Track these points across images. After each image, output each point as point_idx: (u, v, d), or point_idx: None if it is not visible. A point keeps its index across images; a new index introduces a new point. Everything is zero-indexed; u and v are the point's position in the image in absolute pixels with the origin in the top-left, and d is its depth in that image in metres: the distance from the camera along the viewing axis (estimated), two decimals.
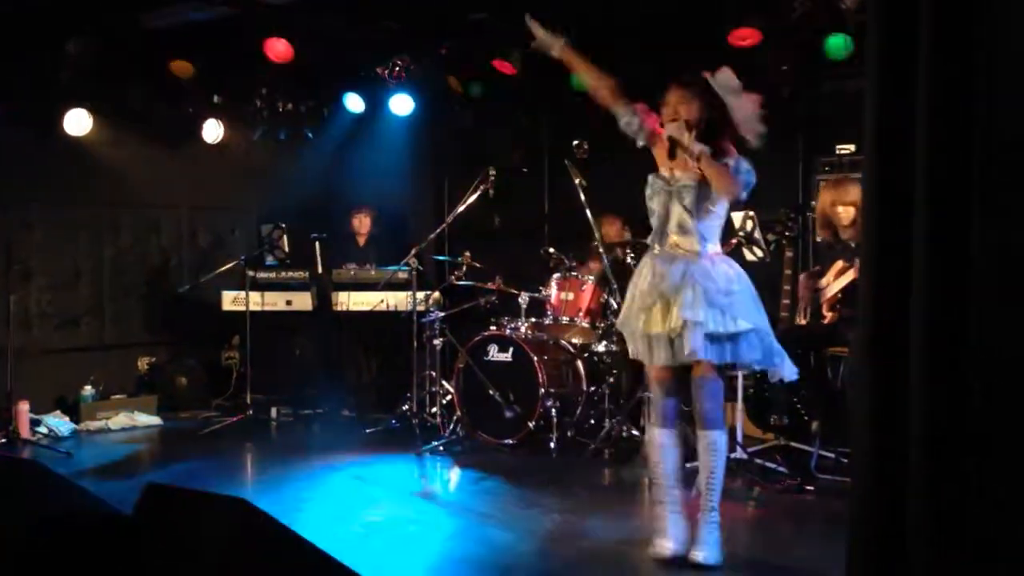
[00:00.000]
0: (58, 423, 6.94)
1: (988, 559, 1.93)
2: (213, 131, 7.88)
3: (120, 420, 7.25)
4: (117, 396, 7.51)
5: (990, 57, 1.89)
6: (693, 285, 3.90)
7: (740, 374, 5.91)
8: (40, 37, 6.34)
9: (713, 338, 3.89)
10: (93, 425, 7.13)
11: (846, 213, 5.61)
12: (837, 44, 5.79)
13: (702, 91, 3.95)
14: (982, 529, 1.93)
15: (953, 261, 1.89)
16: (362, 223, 8.05)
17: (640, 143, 4.13)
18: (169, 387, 7.85)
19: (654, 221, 4.06)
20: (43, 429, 6.84)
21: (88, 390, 7.30)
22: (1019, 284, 1.87)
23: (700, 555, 3.95)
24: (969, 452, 1.87)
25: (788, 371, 4.12)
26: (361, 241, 8.05)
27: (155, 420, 7.42)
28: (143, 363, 7.94)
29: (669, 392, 4.08)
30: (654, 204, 4.05)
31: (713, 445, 3.96)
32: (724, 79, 3.94)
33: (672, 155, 3.98)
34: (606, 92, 4.09)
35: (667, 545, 4.02)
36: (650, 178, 4.09)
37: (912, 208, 1.92)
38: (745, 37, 5.96)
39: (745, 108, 3.91)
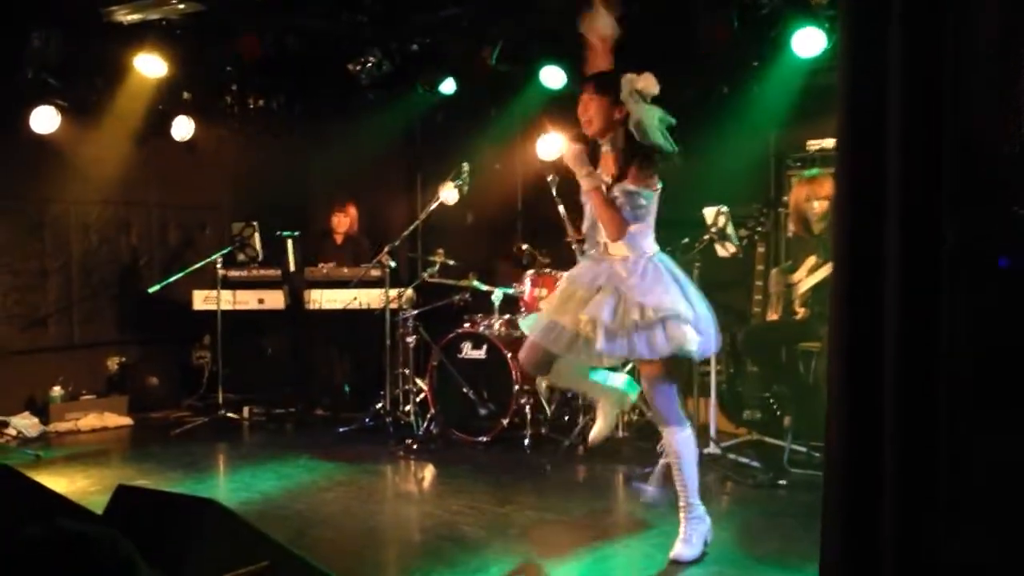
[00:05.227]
0: (27, 425, 6.85)
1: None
2: (183, 128, 7.81)
3: (90, 421, 7.17)
4: (87, 397, 7.42)
5: (958, 53, 1.90)
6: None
7: (714, 369, 5.96)
8: (2, 32, 6.24)
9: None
10: (62, 426, 7.05)
11: (820, 207, 5.66)
12: (808, 39, 5.81)
13: (614, 93, 3.86)
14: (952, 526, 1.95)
15: (924, 256, 1.90)
16: (340, 221, 8.00)
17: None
18: (140, 387, 7.78)
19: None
20: (11, 431, 6.75)
21: (57, 391, 7.22)
22: (988, 277, 1.88)
23: (673, 552, 4.02)
24: (942, 449, 1.89)
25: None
26: (339, 239, 8.01)
27: (126, 421, 7.35)
28: (113, 363, 7.85)
29: None
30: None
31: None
32: (643, 84, 3.84)
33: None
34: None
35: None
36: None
37: (884, 203, 1.93)
38: (716, 32, 5.97)
39: (644, 119, 3.80)
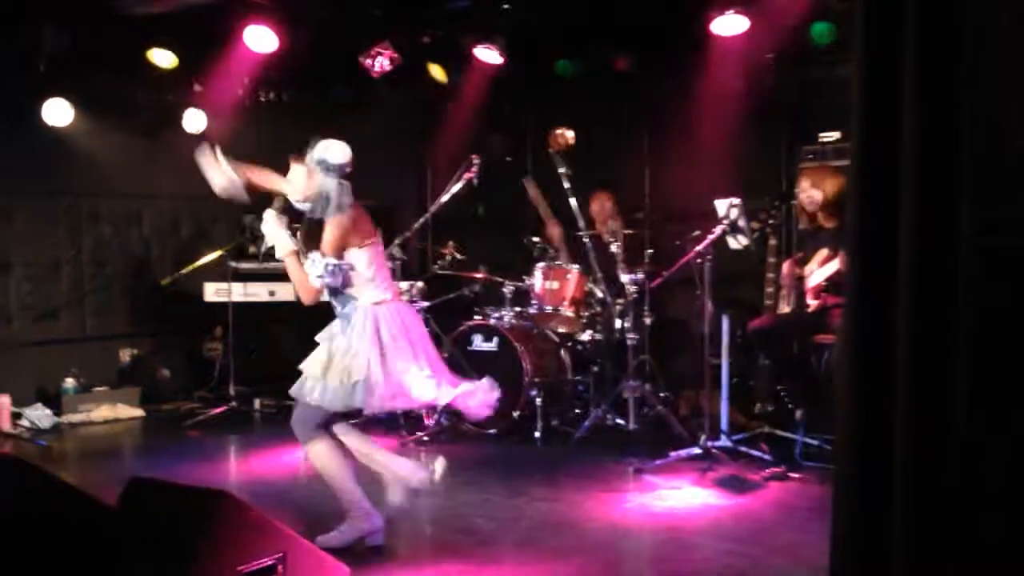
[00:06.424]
0: (39, 416, 6.87)
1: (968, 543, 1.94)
2: (195, 120, 7.81)
3: (102, 412, 7.20)
4: (99, 388, 7.45)
5: (975, 42, 1.88)
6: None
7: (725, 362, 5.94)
8: (15, 25, 6.26)
9: None
10: (75, 418, 7.08)
11: (807, 197, 5.70)
12: (821, 31, 5.78)
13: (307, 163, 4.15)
14: (962, 514, 1.93)
15: (940, 249, 1.89)
16: None
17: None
18: (151, 379, 7.80)
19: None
20: (24, 422, 6.78)
21: (70, 382, 7.25)
22: (1005, 271, 1.86)
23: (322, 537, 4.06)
24: (953, 443, 1.87)
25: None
26: None
27: (138, 412, 7.38)
28: (125, 355, 7.88)
29: None
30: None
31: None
32: (328, 154, 4.19)
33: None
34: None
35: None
36: None
37: (899, 196, 1.92)
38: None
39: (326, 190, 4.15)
